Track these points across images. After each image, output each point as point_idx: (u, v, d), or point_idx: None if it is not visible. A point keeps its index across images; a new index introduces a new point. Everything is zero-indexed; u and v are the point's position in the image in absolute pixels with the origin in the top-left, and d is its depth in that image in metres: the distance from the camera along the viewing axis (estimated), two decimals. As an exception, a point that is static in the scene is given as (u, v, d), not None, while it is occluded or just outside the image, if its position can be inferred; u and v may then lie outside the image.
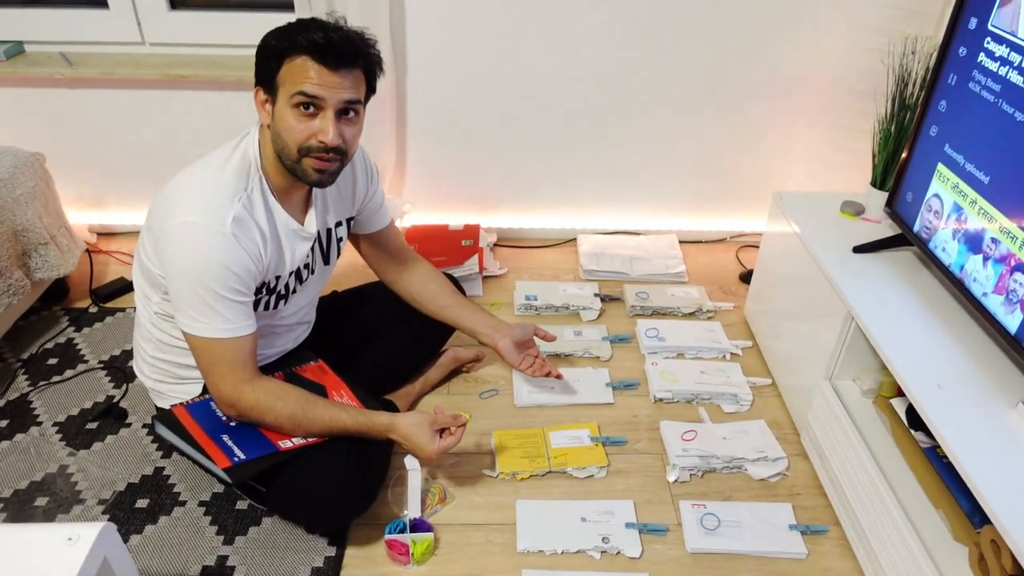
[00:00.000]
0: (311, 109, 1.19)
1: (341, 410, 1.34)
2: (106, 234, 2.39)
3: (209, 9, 2.13)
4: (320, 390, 1.43)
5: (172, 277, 1.22)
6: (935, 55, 1.49)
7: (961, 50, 1.40)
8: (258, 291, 1.31)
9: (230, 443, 1.30)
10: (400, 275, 1.65)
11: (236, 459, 1.27)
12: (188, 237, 1.19)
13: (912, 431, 1.39)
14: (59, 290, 2.07)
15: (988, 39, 1.31)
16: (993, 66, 1.30)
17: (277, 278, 1.34)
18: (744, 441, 1.66)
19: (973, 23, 1.36)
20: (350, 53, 1.19)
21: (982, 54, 1.33)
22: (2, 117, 2.17)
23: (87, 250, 2.17)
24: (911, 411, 1.39)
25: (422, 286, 1.65)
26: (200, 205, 1.20)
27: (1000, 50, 1.28)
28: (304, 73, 1.17)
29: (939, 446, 1.22)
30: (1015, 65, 1.24)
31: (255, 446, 1.29)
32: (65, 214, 2.07)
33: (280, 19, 1.26)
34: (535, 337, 1.67)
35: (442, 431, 1.39)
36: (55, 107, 2.16)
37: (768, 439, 1.68)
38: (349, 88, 1.20)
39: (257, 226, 1.25)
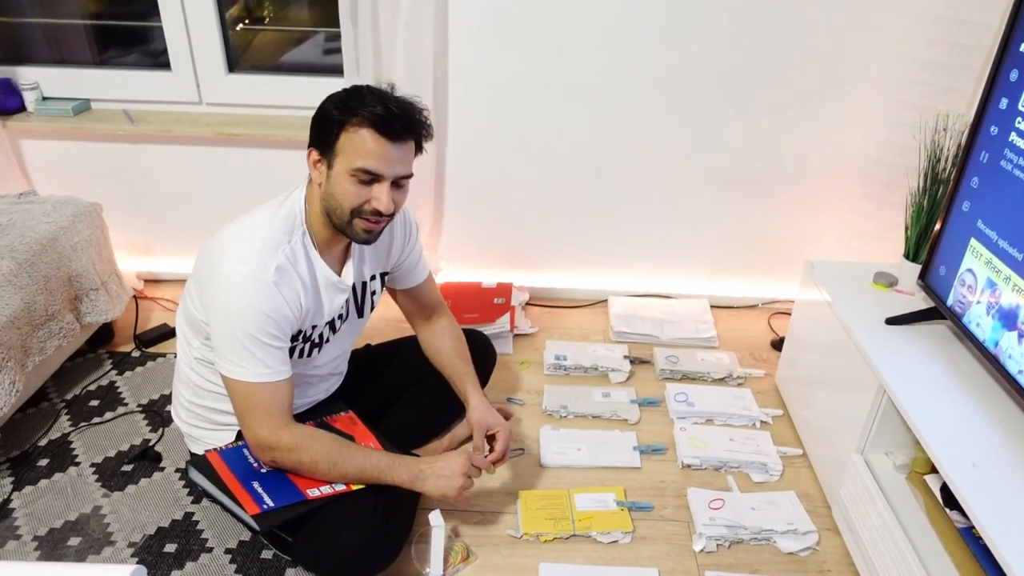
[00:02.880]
0: (368, 178, 1.27)
1: (371, 450, 1.37)
2: (152, 281, 2.48)
3: (263, 72, 2.26)
4: (349, 440, 1.46)
5: (215, 322, 1.28)
6: (967, 132, 1.51)
7: (992, 129, 1.42)
8: (294, 338, 1.35)
9: (260, 490, 1.32)
10: (423, 328, 1.69)
11: (265, 506, 1.29)
12: (232, 284, 1.25)
13: (947, 510, 1.35)
14: (105, 334, 2.14)
15: (1019, 119, 1.33)
16: (1024, 145, 1.31)
17: (313, 327, 1.39)
18: (773, 512, 1.63)
19: (1004, 103, 1.38)
20: (408, 126, 1.27)
21: (1013, 133, 1.35)
22: (67, 168, 2.30)
23: (134, 296, 2.26)
24: (946, 489, 1.36)
25: (433, 339, 1.67)
26: (246, 255, 1.27)
27: (1031, 130, 1.30)
28: (364, 146, 1.24)
29: (975, 527, 1.19)
30: (1046, 145, 1.25)
31: (284, 494, 1.32)
32: (116, 261, 2.17)
33: (329, 84, 1.35)
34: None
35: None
36: (115, 160, 2.28)
37: (798, 511, 1.64)
38: (404, 162, 1.29)
39: (298, 276, 1.31)
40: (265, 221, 1.32)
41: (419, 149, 1.35)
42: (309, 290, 1.34)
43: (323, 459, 1.31)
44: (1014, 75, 1.35)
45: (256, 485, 1.33)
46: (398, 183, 1.30)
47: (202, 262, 1.32)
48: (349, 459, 1.33)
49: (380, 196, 1.27)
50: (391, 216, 1.32)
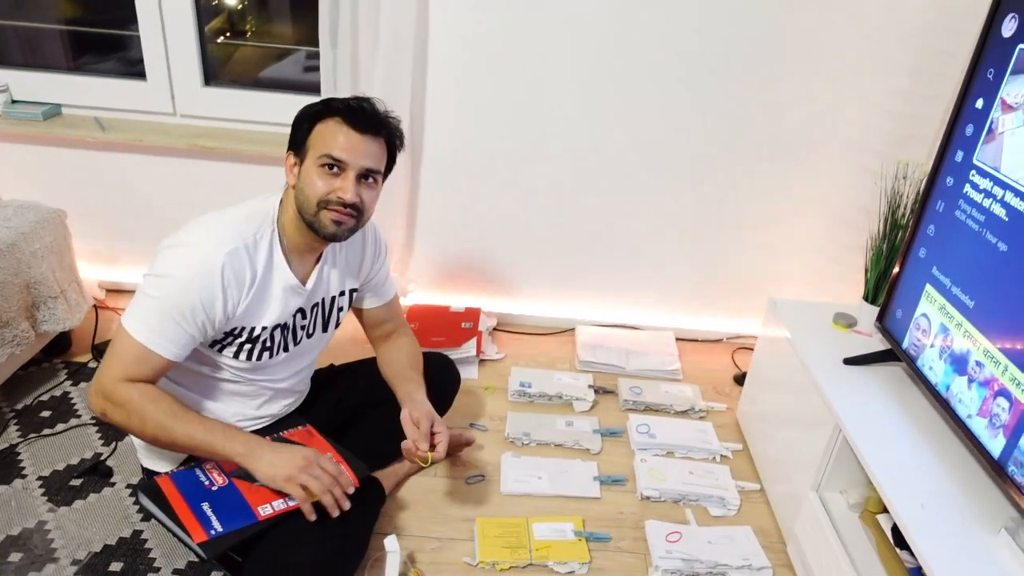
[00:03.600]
0: (335, 170, 1.30)
1: (211, 422, 1.32)
2: (115, 291, 2.43)
3: (240, 87, 2.26)
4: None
5: (145, 280, 1.28)
6: (925, 181, 1.56)
7: (948, 180, 1.47)
8: (231, 333, 1.34)
9: (209, 512, 1.29)
10: (382, 346, 1.69)
11: (213, 532, 1.26)
12: (179, 255, 1.27)
13: (898, 550, 1.37)
14: (63, 343, 2.09)
15: (973, 172, 1.38)
16: (978, 197, 1.36)
17: (262, 328, 1.37)
18: (729, 547, 1.64)
19: (960, 156, 1.43)
20: (377, 121, 1.33)
21: (967, 185, 1.40)
22: (32, 173, 2.26)
23: (94, 306, 2.21)
24: (897, 530, 1.38)
25: (390, 353, 1.66)
26: (200, 236, 1.29)
27: (984, 183, 1.35)
28: (333, 136, 1.29)
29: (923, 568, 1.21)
30: (998, 198, 1.30)
31: (234, 516, 1.29)
32: (78, 269, 2.12)
33: (306, 101, 1.37)
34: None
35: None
36: (83, 167, 2.25)
37: (754, 547, 1.66)
38: (371, 156, 1.32)
39: (251, 268, 1.31)
40: (234, 213, 1.34)
41: (391, 157, 1.39)
42: (258, 286, 1.33)
43: (152, 421, 1.26)
44: (969, 130, 1.41)
45: (205, 507, 1.30)
46: (366, 180, 1.33)
47: (162, 241, 1.32)
48: (180, 425, 1.27)
49: (345, 186, 1.29)
50: (359, 215, 1.34)
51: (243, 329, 1.36)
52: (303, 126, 1.33)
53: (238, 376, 1.43)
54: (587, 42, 2.03)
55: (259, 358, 1.42)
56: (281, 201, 1.37)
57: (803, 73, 2.04)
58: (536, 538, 1.62)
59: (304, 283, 1.41)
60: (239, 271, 1.29)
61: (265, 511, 1.30)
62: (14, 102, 2.20)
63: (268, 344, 1.41)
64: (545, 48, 2.05)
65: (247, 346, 1.38)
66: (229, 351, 1.37)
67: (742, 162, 2.19)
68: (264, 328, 1.38)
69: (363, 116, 1.31)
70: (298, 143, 1.34)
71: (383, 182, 1.39)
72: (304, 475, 1.28)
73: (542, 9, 1.99)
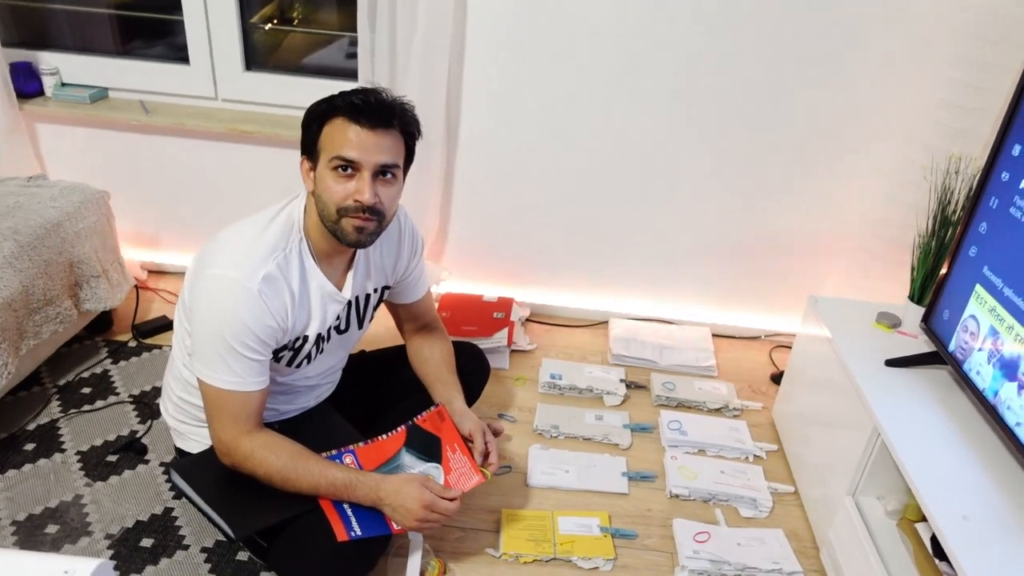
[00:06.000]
0: (348, 171, 1.24)
1: (333, 466, 1.34)
2: (157, 272, 2.49)
3: (280, 72, 2.27)
4: (436, 443, 1.46)
5: (195, 324, 1.27)
6: (978, 176, 1.48)
7: (1004, 175, 1.39)
8: (279, 349, 1.34)
9: (350, 512, 1.31)
10: (413, 339, 1.67)
11: (353, 534, 1.28)
12: (216, 288, 1.24)
13: (937, 560, 1.32)
14: (104, 322, 2.15)
15: (1031, 167, 1.31)
16: (1035, 194, 1.29)
17: (305, 338, 1.37)
18: (759, 550, 1.60)
19: (1017, 150, 1.36)
20: (385, 114, 1.24)
21: (1025, 181, 1.33)
22: (79, 155, 2.31)
23: (135, 286, 2.26)
24: (936, 540, 1.32)
25: (422, 349, 1.64)
26: (236, 260, 1.25)
27: (1043, 179, 1.27)
28: (342, 135, 1.22)
29: (961, 581, 1.16)
30: (1057, 195, 1.23)
31: (372, 524, 1.31)
32: (120, 250, 2.17)
33: (343, 87, 1.32)
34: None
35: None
36: (127, 150, 2.30)
37: (785, 551, 1.61)
38: (385, 151, 1.24)
39: (288, 286, 1.29)
40: (262, 227, 1.30)
41: (409, 147, 1.32)
42: (298, 300, 1.31)
43: (276, 473, 1.29)
44: (1029, 122, 1.33)
45: (347, 507, 1.32)
46: (384, 176, 1.26)
47: (196, 262, 1.31)
48: (304, 475, 1.29)
49: (362, 188, 1.23)
50: (381, 216, 1.28)
51: (295, 340, 1.36)
52: (312, 128, 1.26)
53: (271, 377, 1.43)
54: (628, 25, 1.98)
55: (299, 366, 1.42)
56: (305, 207, 1.33)
57: (851, 62, 1.96)
58: (561, 532, 1.61)
59: (340, 289, 1.39)
60: (278, 293, 1.27)
61: (396, 526, 1.32)
62: (64, 85, 2.26)
63: (310, 353, 1.41)
64: (584, 31, 2.01)
65: (289, 355, 1.38)
66: (274, 361, 1.37)
67: (784, 154, 2.12)
68: (307, 337, 1.37)
69: (370, 110, 1.22)
70: (310, 147, 1.27)
71: (404, 174, 1.32)
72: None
73: (582, -5, 1.96)
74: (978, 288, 1.43)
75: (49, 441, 1.74)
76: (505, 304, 2.30)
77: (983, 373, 1.38)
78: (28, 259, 1.75)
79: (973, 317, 1.44)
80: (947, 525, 1.18)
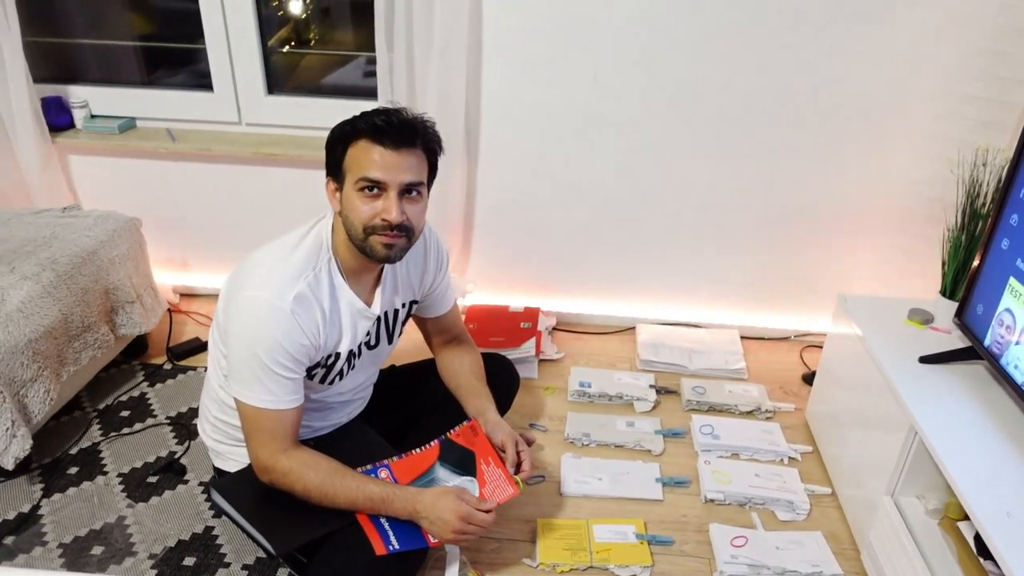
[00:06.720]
0: (375, 191, 1.26)
1: (370, 481, 1.35)
2: (188, 295, 2.53)
3: (302, 94, 2.31)
4: (470, 457, 1.47)
5: (230, 345, 1.30)
6: (1007, 168, 1.46)
7: (1033, 165, 1.37)
8: (312, 367, 1.36)
9: (387, 526, 1.33)
10: (442, 352, 1.68)
11: (391, 547, 1.30)
12: (249, 309, 1.27)
13: (982, 559, 1.30)
14: (140, 346, 2.19)
15: (1061, 156, 1.29)
16: (1066, 183, 1.27)
17: (337, 355, 1.39)
18: (798, 553, 1.59)
19: (1045, 139, 1.34)
20: (408, 134, 1.27)
21: (1055, 170, 1.31)
22: (110, 184, 2.37)
23: (168, 309, 2.31)
24: (980, 538, 1.30)
25: (452, 361, 1.65)
26: (267, 281, 1.28)
27: (1073, 168, 1.26)
28: (367, 157, 1.25)
29: (1008, 579, 1.14)
30: (1089, 184, 1.21)
31: (410, 538, 1.32)
32: (153, 275, 2.22)
33: (364, 106, 1.34)
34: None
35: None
36: (156, 177, 2.35)
37: (825, 553, 1.60)
38: (409, 170, 1.27)
39: (319, 305, 1.31)
40: (291, 247, 1.33)
41: (433, 168, 1.35)
42: (329, 318, 1.34)
43: (314, 489, 1.31)
44: (1056, 111, 1.31)
45: (384, 521, 1.34)
46: (409, 194, 1.29)
47: (229, 284, 1.34)
48: (341, 491, 1.31)
49: (388, 207, 1.26)
50: (409, 232, 1.31)
51: (327, 357, 1.38)
52: (336, 150, 1.29)
53: (305, 395, 1.45)
54: (644, 33, 2.00)
55: (331, 383, 1.44)
56: (332, 226, 1.36)
57: (877, 55, 1.95)
58: (596, 540, 1.61)
59: (369, 305, 1.41)
60: (310, 312, 1.30)
61: (433, 539, 1.33)
62: (93, 117, 2.32)
63: (342, 370, 1.43)
64: (599, 41, 2.02)
65: (320, 371, 1.40)
66: (308, 379, 1.39)
67: (809, 153, 2.11)
68: (339, 354, 1.40)
69: (393, 130, 1.24)
70: (335, 168, 1.30)
71: (429, 190, 1.36)
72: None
73: (596, 3, 1.97)
74: (1012, 281, 1.41)
75: (91, 464, 1.78)
76: (531, 314, 2.31)
77: (1021, 367, 1.36)
78: (66, 288, 1.80)
79: (1008, 311, 1.41)
80: (990, 523, 1.15)
